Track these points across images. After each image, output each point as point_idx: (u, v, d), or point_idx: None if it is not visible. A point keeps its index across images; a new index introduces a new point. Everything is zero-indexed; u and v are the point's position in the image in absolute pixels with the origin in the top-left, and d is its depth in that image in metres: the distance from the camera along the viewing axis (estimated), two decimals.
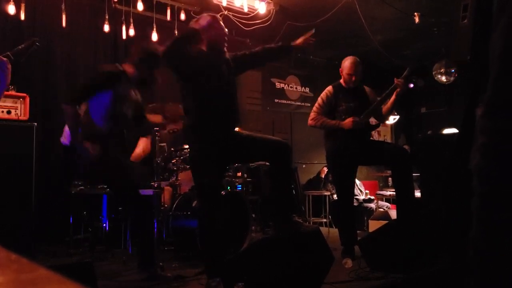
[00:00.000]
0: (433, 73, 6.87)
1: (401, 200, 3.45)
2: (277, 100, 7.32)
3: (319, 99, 3.59)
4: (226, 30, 2.80)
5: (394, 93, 3.47)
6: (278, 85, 7.36)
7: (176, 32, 5.33)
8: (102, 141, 2.83)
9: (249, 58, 2.97)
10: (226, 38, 2.76)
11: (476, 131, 0.91)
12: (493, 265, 0.85)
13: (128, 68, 2.94)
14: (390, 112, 3.67)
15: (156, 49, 2.89)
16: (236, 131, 2.86)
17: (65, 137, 3.46)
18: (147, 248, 2.95)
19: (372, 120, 3.71)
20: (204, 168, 2.68)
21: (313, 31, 2.96)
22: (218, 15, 2.88)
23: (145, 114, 3.20)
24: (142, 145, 4.59)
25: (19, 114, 3.93)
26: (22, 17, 4.42)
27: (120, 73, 2.92)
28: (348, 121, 3.39)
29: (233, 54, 2.92)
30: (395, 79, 3.44)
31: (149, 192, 3.58)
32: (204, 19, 2.79)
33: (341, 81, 3.63)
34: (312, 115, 3.57)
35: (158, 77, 3.01)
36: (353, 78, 3.53)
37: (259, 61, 3.15)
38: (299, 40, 3.03)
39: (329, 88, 3.62)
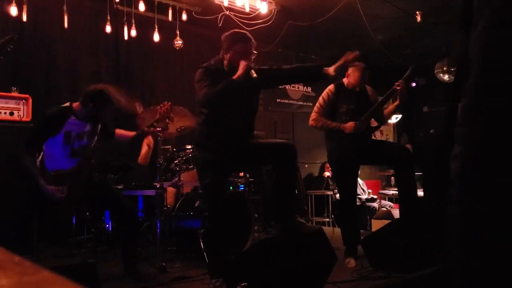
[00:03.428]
0: (435, 72, 6.86)
1: (404, 199, 3.44)
2: (279, 100, 7.32)
3: (320, 99, 3.58)
4: (253, 50, 2.76)
5: (398, 97, 3.45)
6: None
7: (178, 33, 5.34)
8: (69, 179, 2.84)
9: (273, 73, 2.92)
10: (251, 58, 2.74)
11: (455, 135, 0.90)
12: (472, 272, 0.85)
13: (76, 106, 2.92)
14: (392, 114, 3.66)
15: (108, 92, 2.88)
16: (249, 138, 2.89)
17: None
18: (129, 249, 3.03)
19: (373, 121, 3.70)
20: (212, 173, 2.72)
21: (357, 53, 2.81)
22: (251, 37, 2.80)
23: (110, 129, 3.18)
24: (145, 145, 4.61)
25: (21, 116, 3.94)
26: (24, 18, 4.43)
27: (66, 111, 2.89)
28: (349, 125, 3.37)
29: (257, 68, 2.86)
30: (395, 84, 3.42)
31: (151, 192, 3.59)
32: (236, 40, 2.76)
33: (344, 80, 3.61)
34: (313, 115, 3.56)
35: (107, 114, 2.96)
36: (357, 89, 3.53)
37: (286, 78, 3.09)
38: (332, 68, 2.85)
39: (331, 87, 3.60)
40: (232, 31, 2.86)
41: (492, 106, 0.84)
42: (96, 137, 3.06)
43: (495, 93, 0.84)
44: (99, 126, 3.07)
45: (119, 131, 3.25)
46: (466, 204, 0.86)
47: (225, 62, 2.79)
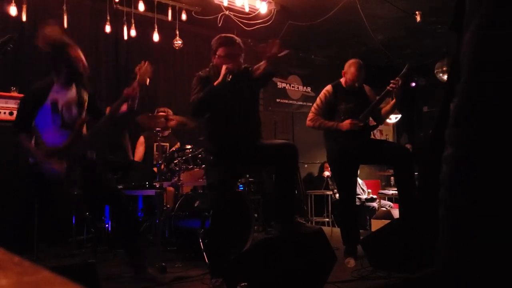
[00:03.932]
0: (435, 71, 6.86)
1: (404, 199, 3.44)
2: (279, 100, 7.32)
3: (318, 100, 3.58)
4: (239, 52, 2.79)
5: (394, 95, 3.44)
6: (280, 84, 7.36)
7: (177, 33, 5.33)
8: (65, 153, 2.81)
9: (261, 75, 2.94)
10: (237, 60, 2.78)
11: (446, 137, 0.90)
12: (464, 274, 0.85)
13: (52, 73, 2.90)
14: (389, 114, 3.65)
15: (55, 38, 2.82)
16: (250, 140, 2.89)
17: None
18: (131, 247, 2.98)
19: (372, 121, 3.70)
20: (211, 175, 2.74)
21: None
22: (235, 39, 2.85)
23: (98, 105, 3.14)
24: (139, 147, 4.64)
25: None
26: (24, 18, 4.43)
27: (47, 80, 2.87)
28: (346, 123, 3.37)
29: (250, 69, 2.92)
30: (392, 82, 3.41)
31: (151, 192, 3.59)
32: (218, 45, 2.82)
33: (342, 80, 3.60)
34: (310, 115, 3.55)
35: (71, 54, 2.88)
36: (356, 84, 3.52)
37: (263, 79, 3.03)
38: (262, 65, 2.76)
39: (328, 87, 3.59)
40: (218, 36, 2.91)
41: (484, 106, 0.84)
42: (85, 111, 3.01)
43: (487, 93, 0.84)
44: (86, 94, 3.01)
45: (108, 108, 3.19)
46: (457, 206, 0.86)
47: (215, 67, 2.86)
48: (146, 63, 3.05)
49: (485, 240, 0.82)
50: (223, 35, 2.92)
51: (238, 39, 2.87)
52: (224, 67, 2.71)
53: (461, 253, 0.85)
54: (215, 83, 2.70)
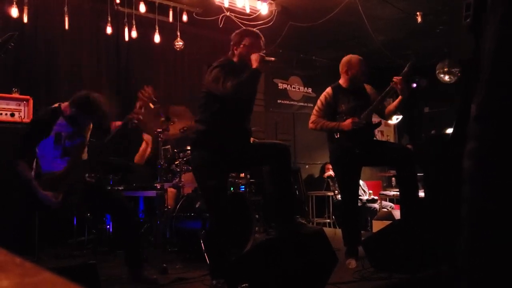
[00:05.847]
0: (436, 72, 6.86)
1: (405, 200, 3.44)
2: (280, 101, 7.32)
3: (318, 102, 3.58)
4: (263, 47, 2.77)
5: (400, 92, 3.41)
6: (281, 85, 7.36)
7: (178, 34, 5.34)
8: (63, 182, 2.84)
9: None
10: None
11: (468, 133, 0.90)
12: (482, 274, 0.85)
13: (65, 107, 2.92)
14: (396, 111, 3.63)
15: (98, 103, 2.86)
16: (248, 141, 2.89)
17: None
18: (131, 251, 2.98)
19: (374, 119, 3.68)
20: (209, 174, 2.70)
21: None
22: (260, 35, 2.84)
23: (104, 126, 3.15)
24: (143, 144, 4.60)
25: (22, 117, 3.94)
26: (25, 19, 4.43)
27: (54, 112, 2.89)
28: (348, 122, 3.36)
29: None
30: (394, 78, 3.39)
31: (152, 193, 3.59)
32: (245, 35, 2.80)
33: (341, 81, 3.59)
34: (312, 118, 3.55)
35: (87, 122, 2.97)
36: (361, 79, 3.51)
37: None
38: None
39: (328, 90, 3.59)
40: (244, 28, 2.94)
41: (505, 103, 0.84)
42: (89, 133, 3.03)
43: (508, 90, 0.84)
44: (90, 125, 3.05)
45: (113, 124, 3.23)
46: (478, 203, 0.85)
47: (235, 57, 2.79)
48: (149, 88, 3.07)
49: (505, 239, 0.81)
50: (248, 28, 2.97)
51: (262, 36, 2.85)
52: (255, 55, 2.62)
53: (480, 252, 0.85)
54: (254, 67, 2.58)
